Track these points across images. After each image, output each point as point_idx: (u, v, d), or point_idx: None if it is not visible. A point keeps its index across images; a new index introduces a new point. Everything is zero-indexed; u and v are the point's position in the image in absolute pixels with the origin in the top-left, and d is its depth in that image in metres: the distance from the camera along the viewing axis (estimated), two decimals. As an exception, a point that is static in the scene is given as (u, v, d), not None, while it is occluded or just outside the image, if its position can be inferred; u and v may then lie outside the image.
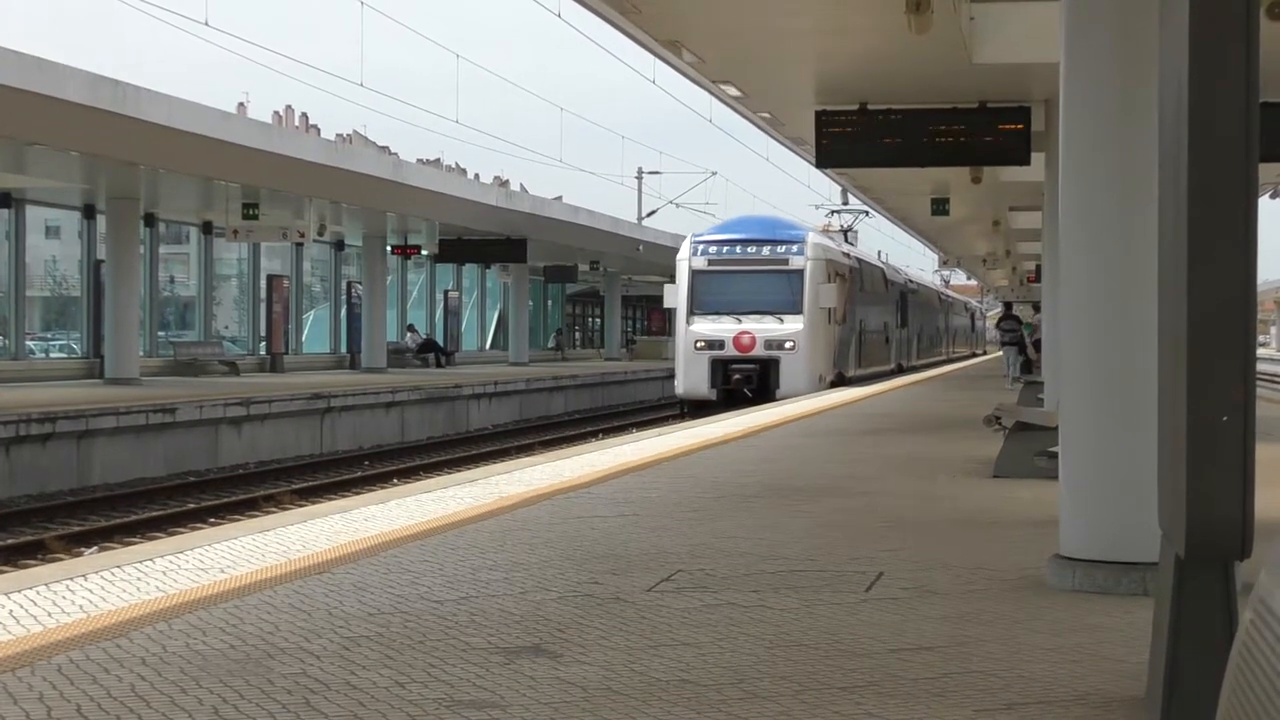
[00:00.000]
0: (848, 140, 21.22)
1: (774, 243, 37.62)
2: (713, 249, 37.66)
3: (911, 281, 61.30)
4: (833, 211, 55.28)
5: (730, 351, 36.36)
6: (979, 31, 17.31)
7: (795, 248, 37.47)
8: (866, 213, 51.15)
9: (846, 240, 50.64)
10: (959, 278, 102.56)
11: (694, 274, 37.24)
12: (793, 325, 36.55)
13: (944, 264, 77.62)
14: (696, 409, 34.53)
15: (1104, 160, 8.40)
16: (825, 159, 22.14)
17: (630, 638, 6.91)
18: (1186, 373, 4.93)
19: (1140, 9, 8.10)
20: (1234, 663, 2.82)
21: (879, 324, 48.05)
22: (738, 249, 37.54)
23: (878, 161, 22.36)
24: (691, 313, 36.89)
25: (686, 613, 7.52)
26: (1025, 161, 21.53)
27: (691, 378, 36.70)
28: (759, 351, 36.32)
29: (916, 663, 6.46)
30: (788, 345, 36.22)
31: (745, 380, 36.03)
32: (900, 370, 51.37)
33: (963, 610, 7.64)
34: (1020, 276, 67.15)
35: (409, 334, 52.50)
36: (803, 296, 36.80)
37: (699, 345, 36.48)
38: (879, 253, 68.75)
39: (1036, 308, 47.27)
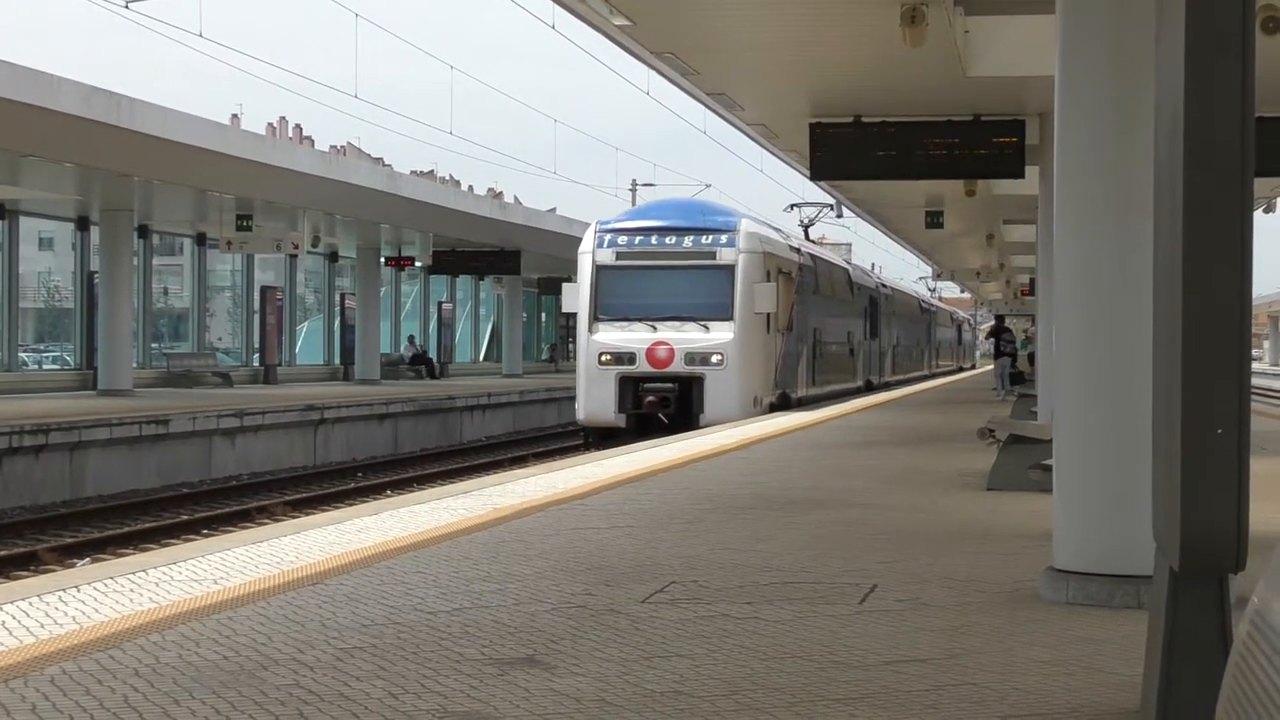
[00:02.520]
0: (842, 153, 21.26)
1: (698, 231, 30.48)
2: (622, 239, 30.42)
3: (885, 285, 54.56)
4: (793, 205, 48.54)
5: (642, 367, 29.40)
6: (973, 44, 17.34)
7: (725, 238, 30.33)
8: (832, 206, 46.22)
9: (807, 237, 44.58)
10: (953, 290, 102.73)
11: (598, 270, 30.18)
12: (721, 334, 29.64)
13: (938, 276, 77.47)
14: (602, 438, 28.73)
15: (1099, 173, 8.41)
16: (820, 171, 22.17)
17: (624, 649, 6.91)
18: (1181, 386, 4.93)
19: (1136, 22, 8.11)
20: (1230, 675, 2.81)
21: (840, 334, 41.41)
22: (653, 239, 30.33)
23: (872, 174, 22.38)
24: (595, 318, 29.94)
25: (680, 624, 7.52)
26: (1019, 175, 21.57)
27: (594, 399, 29.66)
28: (678, 367, 29.37)
29: (910, 675, 6.46)
30: (714, 359, 29.42)
31: (661, 403, 29.21)
32: (869, 388, 45.49)
33: (956, 623, 7.64)
34: (1014, 290, 67.14)
35: (408, 345, 52.65)
36: (733, 299, 29.88)
37: (604, 359, 29.53)
38: (873, 266, 68.20)
39: (1032, 321, 47.08)
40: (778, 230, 35.40)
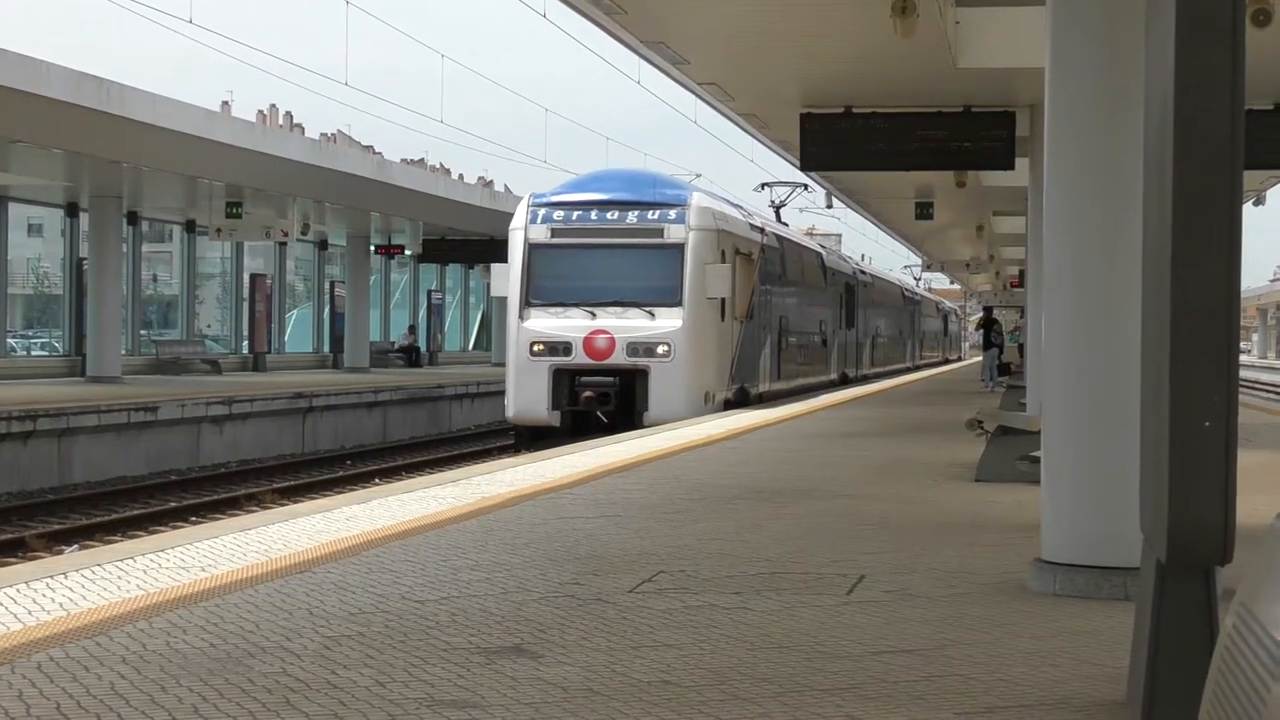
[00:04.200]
0: (832, 143, 21.28)
1: (644, 206, 26.85)
2: (558, 214, 26.79)
3: (863, 271, 51.12)
4: (764, 185, 44.20)
5: (579, 359, 26.05)
6: (964, 36, 17.35)
7: (673, 213, 26.66)
8: (806, 186, 42.74)
9: (778, 218, 40.83)
10: (942, 282, 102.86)
11: (531, 249, 26.63)
12: (668, 322, 26.20)
13: (927, 267, 77.40)
14: (534, 439, 25.73)
15: (1088, 165, 8.41)
16: (810, 162, 22.19)
17: (611, 639, 6.91)
18: (1169, 378, 4.93)
19: (1126, 14, 8.11)
20: (1216, 667, 2.82)
21: (812, 323, 38.02)
22: (593, 214, 26.72)
23: (862, 165, 22.41)
24: (527, 303, 26.48)
25: (668, 614, 7.52)
26: (1009, 166, 21.59)
27: (525, 395, 26.24)
28: (619, 359, 26.03)
29: (897, 665, 6.46)
30: (660, 350, 26.08)
31: (600, 399, 25.94)
32: (845, 382, 42.12)
33: (944, 614, 7.65)
34: (1004, 281, 67.19)
35: (407, 334, 52.76)
36: (683, 282, 26.44)
37: (536, 349, 26.12)
38: (863, 256, 67.64)
39: (1022, 313, 46.95)
40: (737, 207, 32.02)
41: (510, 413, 26.78)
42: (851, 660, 6.56)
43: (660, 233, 26.61)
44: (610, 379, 26.00)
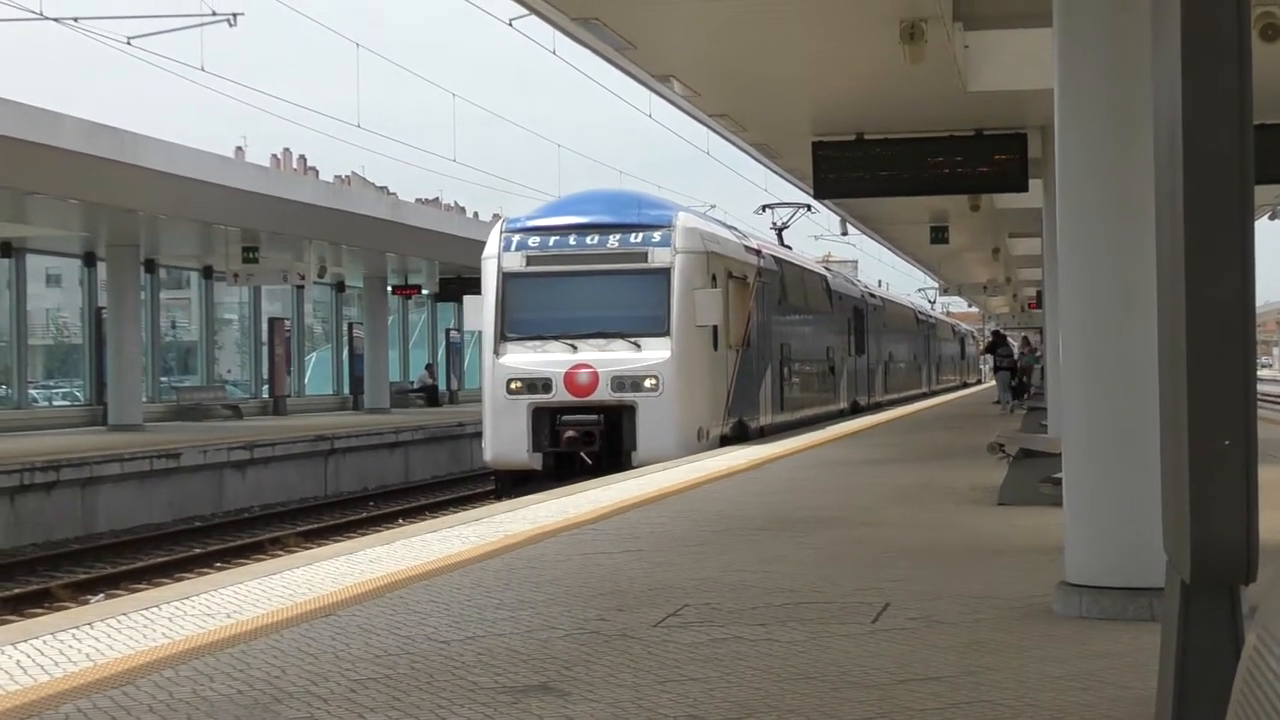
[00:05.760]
0: (845, 171, 21.25)
1: (626, 229, 24.90)
2: (534, 240, 24.87)
3: (873, 295, 48.66)
4: (765, 206, 41.81)
5: (560, 396, 24.08)
6: (973, 59, 17.35)
7: (658, 235, 24.72)
8: (809, 207, 40.36)
9: (781, 241, 38.97)
10: (960, 305, 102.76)
11: (506, 278, 24.72)
12: (655, 353, 24.22)
13: (944, 291, 77.19)
14: (515, 484, 24.06)
15: (1100, 184, 8.42)
16: (823, 190, 22.18)
17: (638, 674, 6.90)
18: (1187, 396, 4.92)
19: (1132, 33, 8.12)
20: (1238, 686, 2.81)
21: (817, 350, 35.98)
22: (571, 239, 24.78)
23: (876, 191, 22.36)
24: (503, 337, 24.56)
25: (694, 648, 7.51)
26: (1023, 188, 21.56)
27: (503, 436, 24.38)
28: (604, 395, 24.07)
29: (925, 693, 6.45)
30: (647, 384, 24.10)
31: (583, 439, 24.05)
32: (856, 410, 40.06)
33: (970, 639, 7.63)
34: (1022, 303, 67.05)
35: (425, 374, 52.84)
36: (669, 309, 24.44)
37: (514, 387, 24.21)
38: (879, 282, 67.27)
39: (1041, 335, 46.61)
40: (730, 228, 30.18)
41: (488, 456, 25.17)
42: (878, 689, 6.54)
43: (644, 256, 24.72)
44: (594, 417, 24.11)
